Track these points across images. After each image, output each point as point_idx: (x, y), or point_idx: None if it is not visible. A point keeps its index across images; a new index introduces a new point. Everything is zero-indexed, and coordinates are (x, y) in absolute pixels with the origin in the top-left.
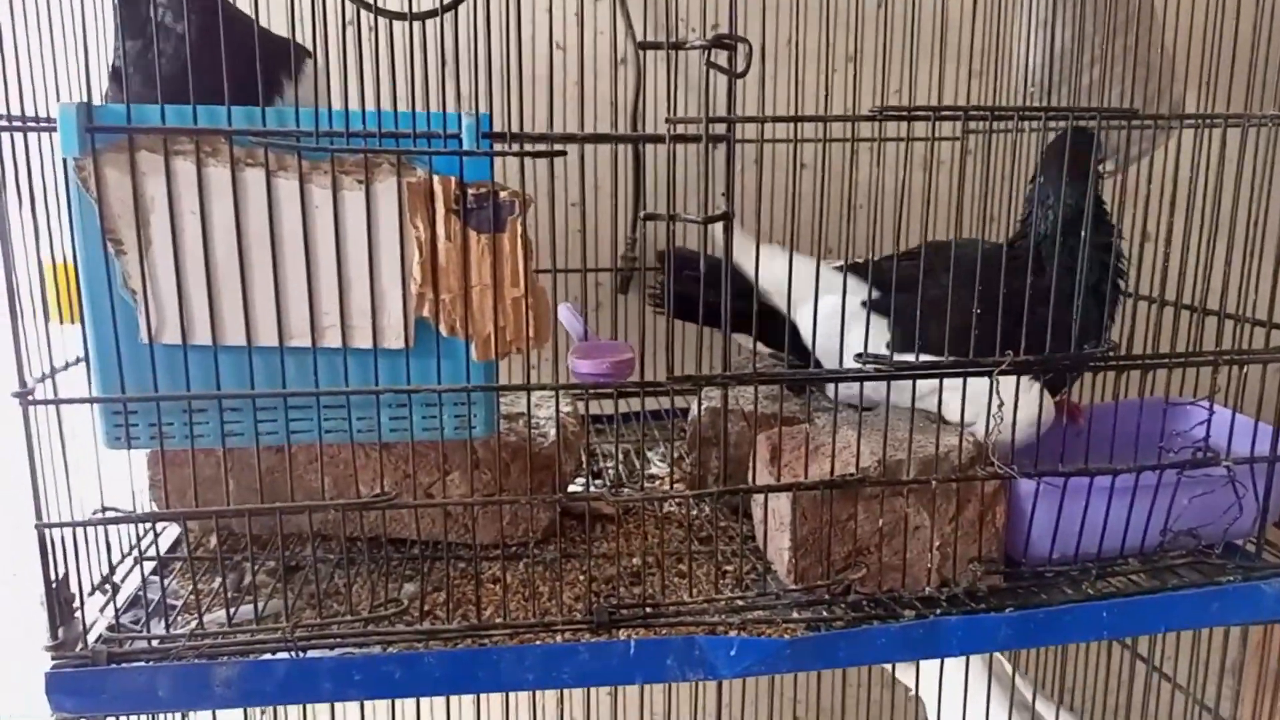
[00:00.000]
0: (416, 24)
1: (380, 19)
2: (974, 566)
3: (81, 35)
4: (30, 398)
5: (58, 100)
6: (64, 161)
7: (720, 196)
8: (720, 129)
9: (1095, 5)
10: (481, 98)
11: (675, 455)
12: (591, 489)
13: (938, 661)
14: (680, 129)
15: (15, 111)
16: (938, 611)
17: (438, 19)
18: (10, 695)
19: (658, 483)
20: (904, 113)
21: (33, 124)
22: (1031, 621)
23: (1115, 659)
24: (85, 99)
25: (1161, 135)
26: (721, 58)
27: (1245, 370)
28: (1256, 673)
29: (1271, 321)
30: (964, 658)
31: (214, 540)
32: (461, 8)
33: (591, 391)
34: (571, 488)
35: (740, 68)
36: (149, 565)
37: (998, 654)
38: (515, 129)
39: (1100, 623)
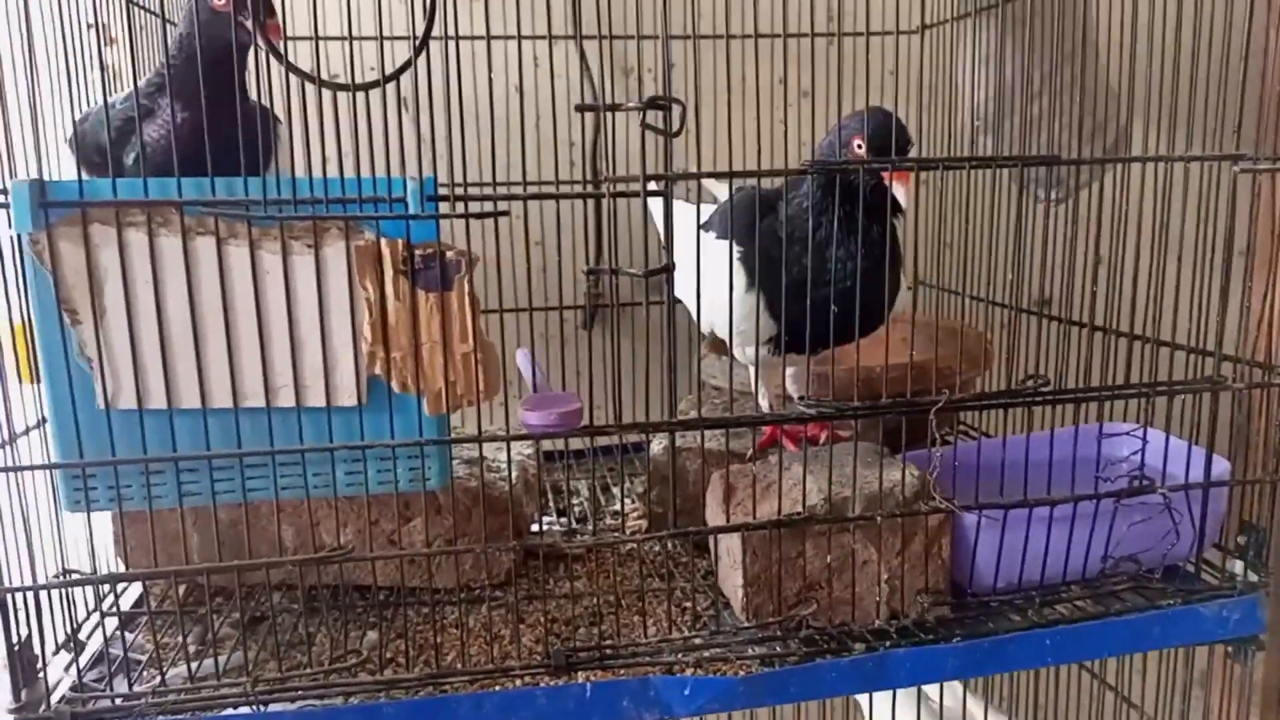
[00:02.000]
0: (356, 94)
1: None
2: (922, 598)
3: (31, 108)
4: None
5: (9, 174)
6: (17, 237)
7: (661, 249)
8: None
9: (1040, 40)
10: (426, 156)
11: (637, 491)
12: (556, 526)
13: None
14: (623, 184)
15: None
16: (888, 644)
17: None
18: None
19: (621, 519)
20: (836, 167)
21: None
22: (978, 651)
23: (1069, 677)
24: (38, 174)
25: (1101, 168)
26: (657, 118)
27: (1180, 397)
28: (1222, 683)
29: (1202, 348)
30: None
31: (178, 592)
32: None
33: (538, 443)
34: (535, 527)
35: (675, 128)
36: (112, 622)
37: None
38: (464, 180)
39: (1044, 649)
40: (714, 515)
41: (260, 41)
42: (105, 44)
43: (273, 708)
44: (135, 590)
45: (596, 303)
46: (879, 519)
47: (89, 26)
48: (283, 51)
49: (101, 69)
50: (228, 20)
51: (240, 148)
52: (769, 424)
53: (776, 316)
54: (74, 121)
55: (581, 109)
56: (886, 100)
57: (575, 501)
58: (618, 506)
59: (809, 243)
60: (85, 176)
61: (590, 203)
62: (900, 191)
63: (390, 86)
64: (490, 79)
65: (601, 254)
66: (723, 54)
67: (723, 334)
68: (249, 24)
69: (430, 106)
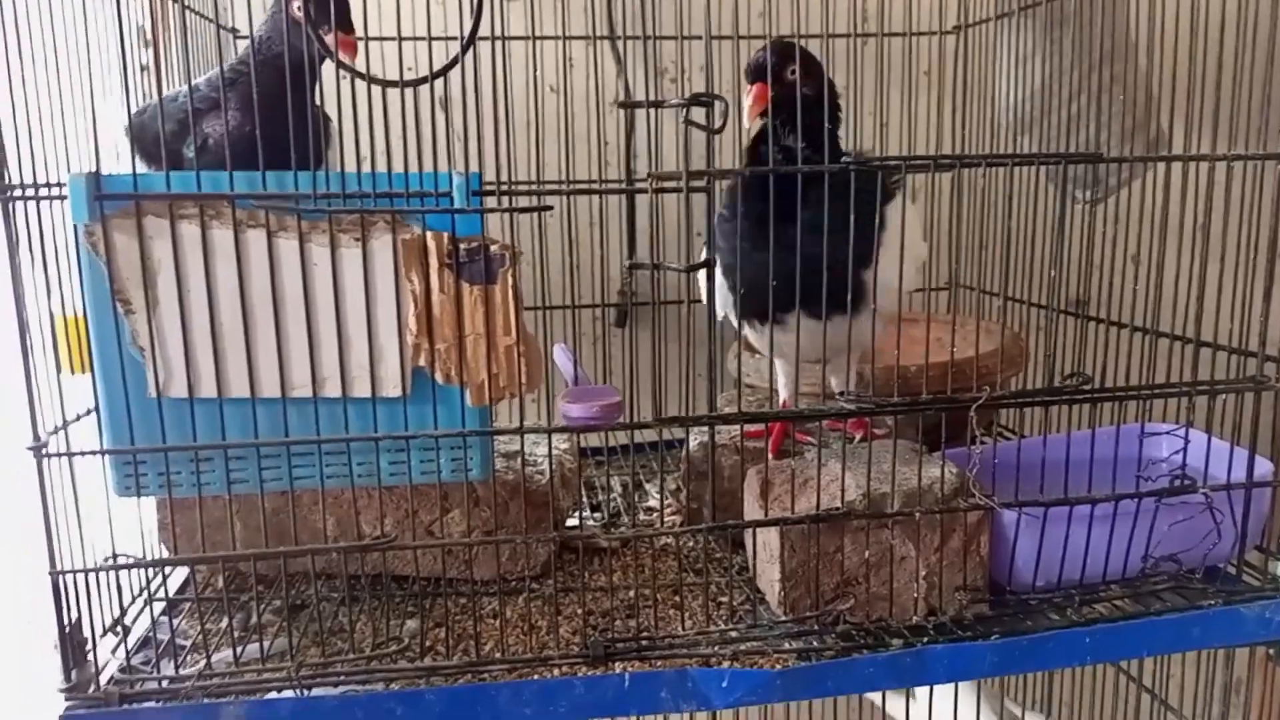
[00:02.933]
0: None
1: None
2: (960, 595)
3: (89, 103)
4: (44, 451)
5: (66, 166)
6: (74, 227)
7: (701, 243)
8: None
9: (1080, 39)
10: (473, 151)
11: (671, 488)
12: (590, 522)
13: (927, 693)
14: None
15: (27, 179)
16: (925, 640)
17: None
18: None
19: (654, 515)
20: (875, 164)
21: (44, 192)
22: (1016, 648)
23: (1108, 681)
24: (95, 167)
25: (1139, 167)
26: (699, 114)
27: (1222, 397)
28: (1261, 688)
29: (1245, 349)
30: (953, 688)
31: (221, 580)
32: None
33: (576, 437)
34: (570, 521)
35: (717, 124)
36: (158, 606)
37: (987, 684)
38: (507, 178)
39: (1083, 648)
40: (751, 510)
41: (332, 55)
42: (144, 45)
43: (315, 692)
44: (178, 578)
45: (630, 301)
46: (917, 515)
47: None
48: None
49: (141, 69)
50: (302, 30)
51: (293, 147)
52: (808, 419)
53: (733, 288)
54: (129, 114)
55: (624, 105)
56: (922, 100)
57: (609, 498)
58: (650, 503)
59: (749, 214)
60: (141, 167)
61: (625, 201)
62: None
63: (436, 86)
64: (537, 76)
65: (636, 251)
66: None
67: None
68: (328, 38)
69: (477, 104)
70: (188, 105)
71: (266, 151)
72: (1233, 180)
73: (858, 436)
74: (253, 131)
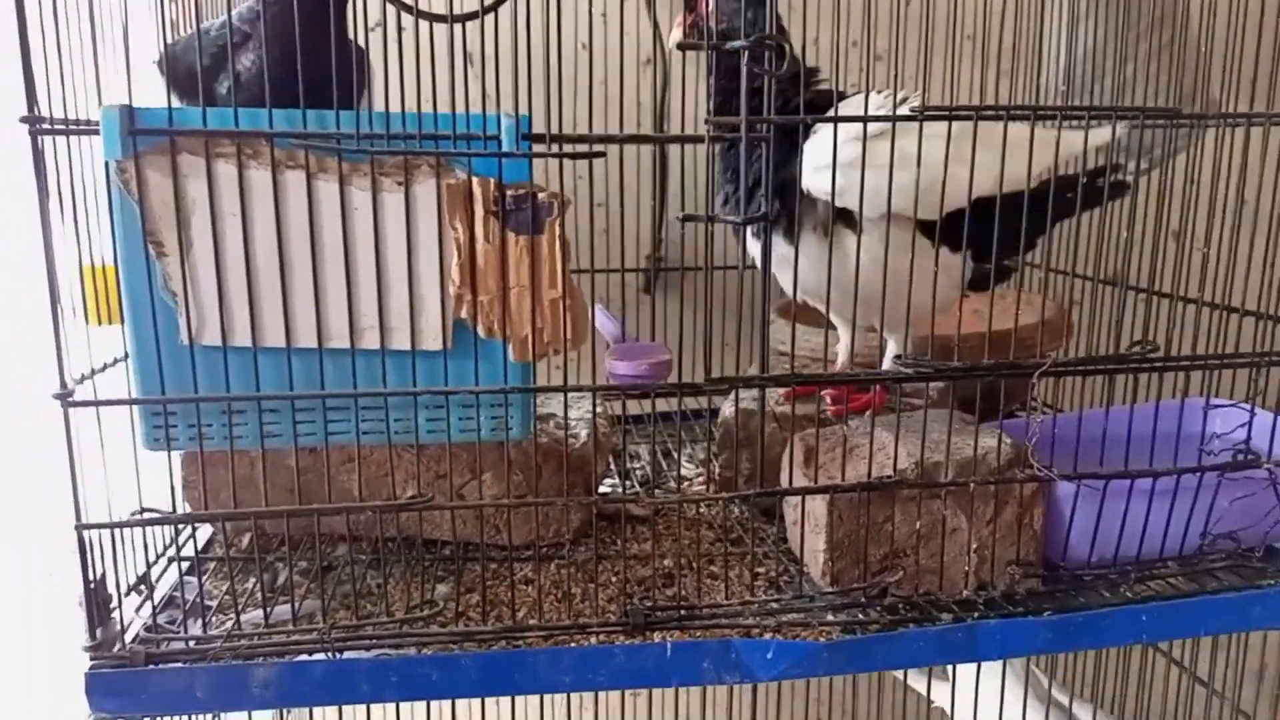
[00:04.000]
0: (455, 25)
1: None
2: (1012, 569)
3: (123, 36)
4: (71, 399)
5: (99, 102)
6: (106, 164)
7: (760, 196)
8: (760, 129)
9: (1126, 3)
10: (519, 98)
11: (702, 457)
12: (619, 489)
13: (972, 679)
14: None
15: (54, 114)
16: (975, 615)
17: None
18: (49, 696)
19: (687, 484)
20: (945, 112)
21: (75, 127)
22: (1070, 625)
23: (1151, 665)
24: (128, 101)
25: (1195, 134)
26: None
27: None
28: None
29: None
30: (1000, 673)
31: (247, 540)
32: (502, 8)
33: (624, 394)
34: (602, 489)
35: (780, 69)
36: (184, 566)
37: (1034, 669)
38: (552, 130)
39: (1139, 626)
40: (796, 479)
41: None
42: None
43: (347, 655)
44: (202, 539)
45: (658, 266)
46: (972, 485)
47: None
48: None
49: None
50: None
51: (334, 82)
52: (864, 382)
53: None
54: (162, 45)
55: (684, 47)
56: (966, 64)
57: (635, 465)
58: (683, 471)
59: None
60: (174, 101)
61: (657, 159)
62: None
63: (486, 27)
64: (583, 22)
65: (667, 209)
66: (797, 15)
67: None
68: None
69: (528, 49)
70: (223, 37)
71: (305, 83)
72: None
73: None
74: (289, 65)
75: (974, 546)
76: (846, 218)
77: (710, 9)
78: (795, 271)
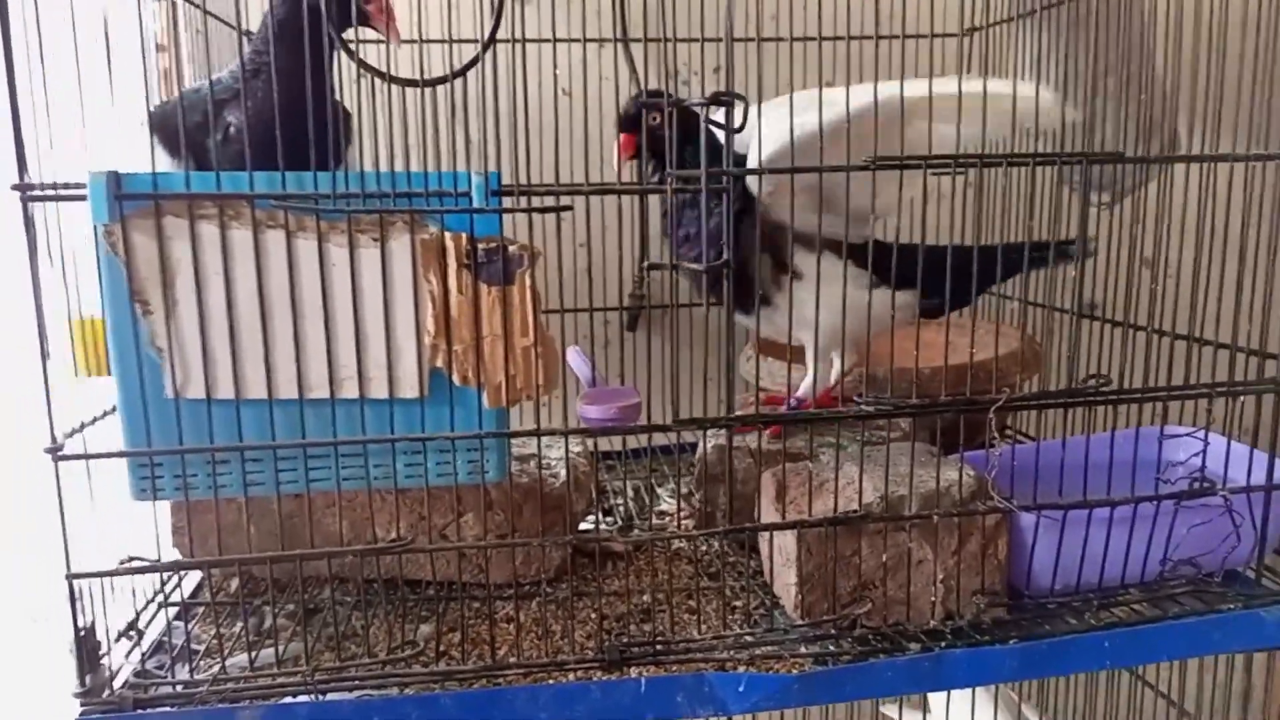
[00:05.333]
0: (425, 89)
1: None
2: (978, 599)
3: (109, 100)
4: (60, 454)
5: (87, 166)
6: (94, 228)
7: (721, 244)
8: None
9: (1088, 44)
10: (490, 152)
11: (683, 492)
12: (602, 527)
13: (944, 700)
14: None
15: (39, 179)
16: (943, 644)
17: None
18: None
19: (667, 519)
20: (895, 163)
21: (64, 193)
22: (1035, 653)
23: (1123, 687)
24: (113, 166)
25: (1153, 169)
26: (719, 114)
27: (1240, 400)
28: (1262, 698)
29: (1264, 351)
30: (970, 696)
31: (234, 584)
32: (472, 71)
33: (595, 439)
34: (583, 525)
35: (737, 123)
36: (172, 611)
37: (1004, 690)
38: (524, 180)
39: (1103, 652)
40: (767, 513)
41: (371, 24)
42: (158, 50)
43: (331, 696)
44: (190, 584)
45: (639, 304)
46: (935, 518)
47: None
48: (354, 50)
49: (162, 73)
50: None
51: (312, 140)
52: (825, 420)
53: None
54: (148, 108)
55: (644, 105)
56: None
57: (618, 502)
58: (663, 507)
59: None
60: (162, 158)
61: (639, 205)
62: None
63: (455, 89)
64: (555, 77)
65: (648, 254)
66: (767, 57)
67: None
68: (369, 6)
69: (495, 105)
70: (208, 95)
71: (288, 139)
72: (1253, 181)
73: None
74: (272, 124)
75: (940, 577)
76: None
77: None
78: (757, 317)
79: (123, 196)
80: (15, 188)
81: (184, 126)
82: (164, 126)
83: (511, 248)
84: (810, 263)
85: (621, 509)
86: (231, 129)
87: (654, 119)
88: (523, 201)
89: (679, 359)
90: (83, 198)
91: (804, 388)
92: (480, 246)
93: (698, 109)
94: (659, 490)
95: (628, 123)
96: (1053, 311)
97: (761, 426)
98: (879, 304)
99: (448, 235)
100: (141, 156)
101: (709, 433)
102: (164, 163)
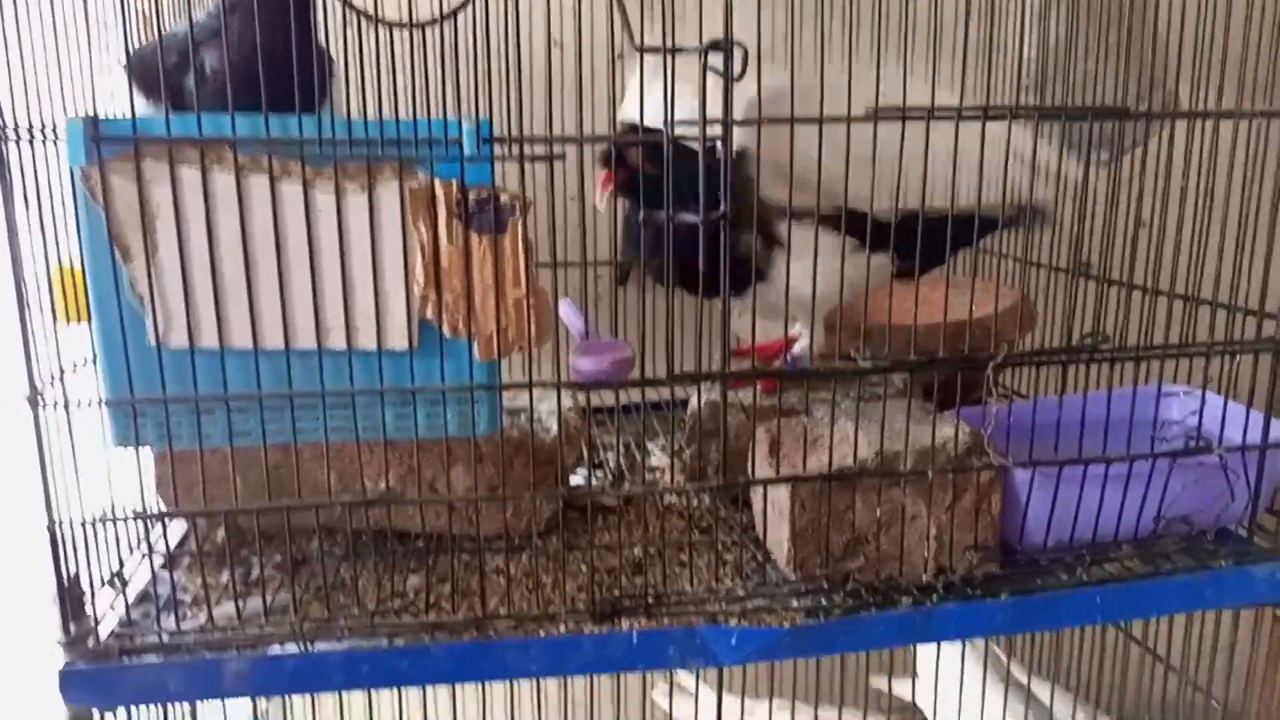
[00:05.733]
0: (416, 30)
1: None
2: (970, 554)
3: (86, 42)
4: (41, 401)
5: (64, 107)
6: (71, 171)
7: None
8: (718, 129)
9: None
10: (481, 100)
11: (675, 447)
12: (593, 481)
13: (933, 667)
14: (678, 130)
15: (22, 121)
16: (934, 599)
17: (436, 25)
18: (22, 692)
19: (658, 474)
20: (896, 113)
21: (41, 134)
22: (1027, 607)
23: (1111, 642)
24: (91, 109)
25: (1155, 127)
26: (718, 61)
27: (1237, 359)
28: (1249, 654)
29: (1263, 311)
30: (959, 656)
31: (220, 535)
32: (464, 14)
33: (588, 392)
34: (573, 480)
35: (736, 71)
36: (157, 561)
37: (994, 649)
38: (515, 131)
39: (1094, 607)
40: (760, 469)
41: None
42: None
43: (319, 647)
44: (175, 535)
45: (630, 259)
46: (930, 473)
47: None
48: None
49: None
50: None
51: (297, 83)
52: (822, 377)
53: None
54: (127, 49)
55: (641, 50)
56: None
57: (609, 457)
58: (653, 463)
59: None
60: (141, 103)
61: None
62: None
63: (446, 35)
64: (547, 24)
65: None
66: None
67: None
68: None
69: (487, 52)
70: (188, 35)
71: (269, 81)
72: (1257, 139)
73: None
74: (252, 64)
75: (933, 532)
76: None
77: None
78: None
79: (101, 139)
80: None
81: (163, 69)
82: (143, 69)
83: (503, 196)
84: (798, 234)
85: (612, 464)
86: (207, 69)
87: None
88: (515, 150)
89: (671, 314)
90: (59, 140)
91: (800, 348)
92: (471, 195)
93: (695, 53)
94: (650, 446)
95: (606, 160)
96: (1049, 270)
97: (757, 382)
98: (857, 268)
99: (438, 183)
100: (120, 102)
101: (703, 387)
102: (143, 107)
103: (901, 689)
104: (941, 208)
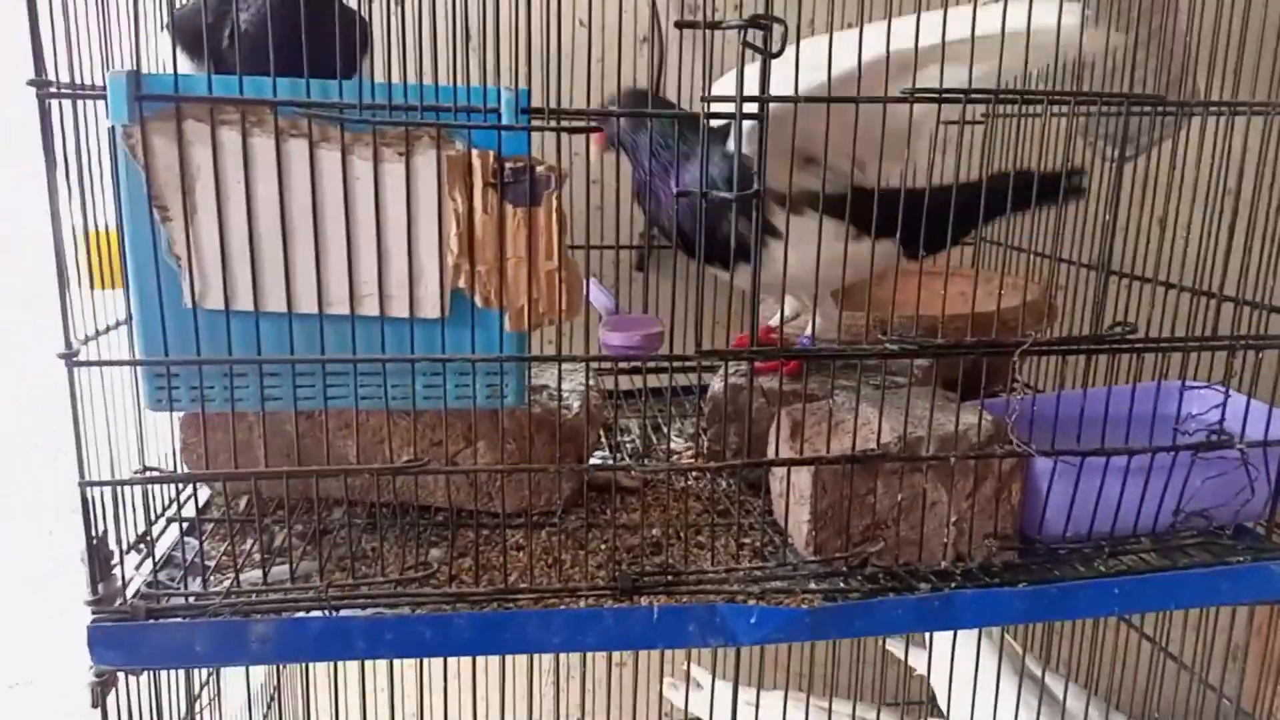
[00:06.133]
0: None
1: None
2: (989, 542)
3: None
4: (75, 359)
5: (105, 68)
6: (111, 129)
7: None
8: (754, 107)
9: None
10: (517, 73)
11: (696, 430)
12: (613, 461)
13: (949, 649)
14: (713, 107)
15: (62, 79)
16: (953, 585)
17: None
18: (52, 650)
19: (676, 457)
20: (934, 95)
21: (82, 92)
22: (1044, 596)
23: (1123, 640)
24: (135, 67)
25: (1181, 122)
26: (756, 37)
27: (1260, 355)
28: (1260, 654)
29: None
30: (975, 640)
31: (244, 503)
32: None
33: (616, 365)
34: (593, 460)
35: (775, 48)
36: (184, 526)
37: (1009, 640)
38: (555, 100)
39: (1111, 599)
40: (782, 452)
41: None
42: None
43: (344, 613)
44: (201, 500)
45: (651, 243)
46: (952, 459)
47: None
48: None
49: None
50: None
51: (333, 47)
52: (848, 358)
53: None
54: (168, 8)
55: (681, 25)
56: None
57: (628, 438)
58: (672, 445)
59: None
60: (184, 62)
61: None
62: None
63: (485, 6)
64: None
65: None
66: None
67: None
68: None
69: (528, 25)
70: None
71: (298, 44)
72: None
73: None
74: (288, 25)
75: (953, 519)
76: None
77: None
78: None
79: (143, 98)
80: (31, 83)
81: (206, 27)
82: (186, 28)
83: (539, 168)
84: (801, 217)
85: (630, 445)
86: (248, 28)
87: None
88: (552, 122)
89: (692, 298)
90: (102, 97)
91: (810, 329)
92: (507, 165)
93: (736, 29)
94: (665, 429)
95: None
96: (1072, 265)
97: (782, 363)
98: (861, 252)
99: (474, 152)
100: (163, 61)
101: (728, 369)
102: (185, 66)
103: (917, 658)
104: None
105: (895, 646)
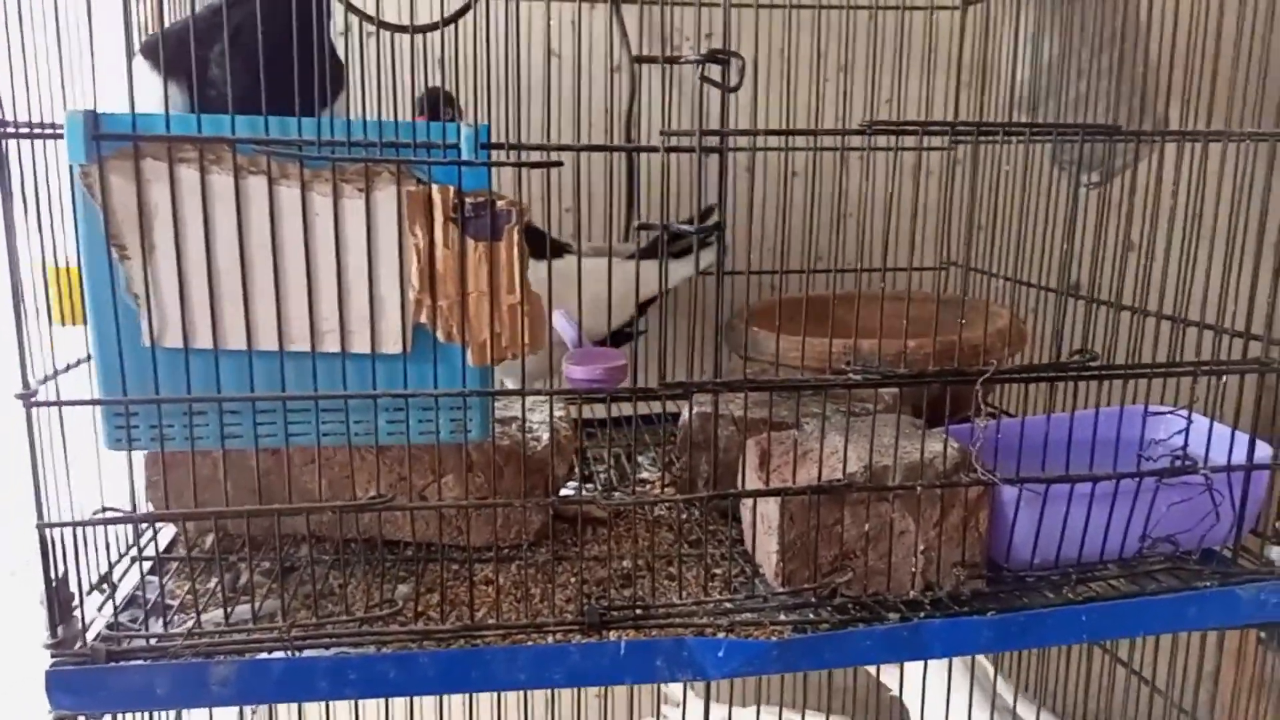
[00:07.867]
0: (416, 35)
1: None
2: (957, 571)
3: (88, 41)
4: (33, 399)
5: (64, 105)
6: (70, 168)
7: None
8: (714, 141)
9: (1083, 20)
10: (479, 107)
11: (665, 460)
12: (583, 493)
13: (921, 666)
14: (675, 140)
15: (21, 118)
16: (921, 614)
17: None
18: (9, 693)
19: (648, 487)
20: (893, 127)
21: (40, 132)
22: (1013, 624)
23: (1096, 664)
24: (92, 106)
25: (1144, 149)
26: (715, 72)
27: (1224, 380)
28: (1233, 678)
29: (1249, 332)
30: (946, 662)
31: (210, 540)
32: (465, 20)
33: (584, 396)
34: (563, 491)
35: (733, 82)
36: (146, 565)
37: (980, 660)
38: (513, 138)
39: (1080, 625)
40: (750, 482)
41: None
42: None
43: (307, 653)
44: (164, 539)
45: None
46: (919, 489)
47: None
48: None
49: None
50: None
51: (313, 82)
52: (811, 388)
53: None
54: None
55: (639, 60)
56: (921, 76)
57: (599, 469)
58: (642, 475)
59: None
60: (170, 85)
61: (626, 165)
62: None
63: (446, 41)
64: (548, 30)
65: (638, 215)
66: (763, 23)
67: None
68: None
69: (487, 60)
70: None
71: (270, 77)
72: (1245, 162)
73: None
74: (253, 63)
75: (921, 548)
76: None
77: None
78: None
79: (100, 137)
80: None
81: (194, 47)
82: (167, 48)
83: (500, 203)
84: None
85: (603, 476)
86: (213, 64)
87: (448, 114)
88: (512, 157)
89: (664, 325)
90: (59, 136)
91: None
92: (468, 200)
93: (694, 64)
94: (640, 458)
95: (421, 109)
96: (1038, 290)
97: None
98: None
99: (434, 187)
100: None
101: (694, 400)
102: (158, 89)
103: (890, 678)
104: None
105: (870, 667)
